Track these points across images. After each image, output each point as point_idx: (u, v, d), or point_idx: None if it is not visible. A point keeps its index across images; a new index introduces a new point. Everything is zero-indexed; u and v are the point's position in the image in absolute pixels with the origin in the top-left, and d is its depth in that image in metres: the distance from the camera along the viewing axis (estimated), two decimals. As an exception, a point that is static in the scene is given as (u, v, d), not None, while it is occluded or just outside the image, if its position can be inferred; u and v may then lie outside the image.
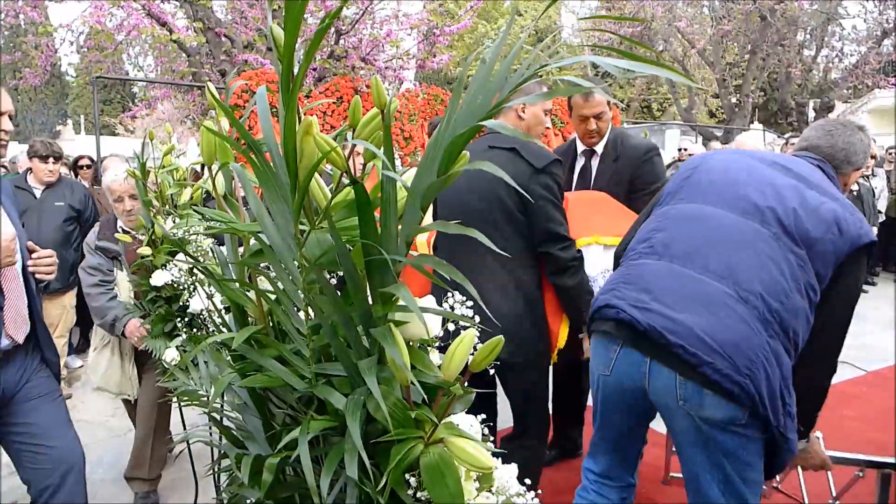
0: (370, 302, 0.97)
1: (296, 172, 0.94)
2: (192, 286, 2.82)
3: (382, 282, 0.92)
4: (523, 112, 2.71)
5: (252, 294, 1.22)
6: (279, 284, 1.10)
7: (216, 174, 1.17)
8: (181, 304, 2.88)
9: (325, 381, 1.07)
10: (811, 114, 17.24)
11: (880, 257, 9.56)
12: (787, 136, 11.11)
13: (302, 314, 1.09)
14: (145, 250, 2.96)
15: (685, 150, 8.23)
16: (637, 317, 1.79)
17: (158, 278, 2.91)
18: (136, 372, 3.39)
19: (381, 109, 0.93)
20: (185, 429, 2.76)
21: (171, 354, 2.79)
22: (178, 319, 2.88)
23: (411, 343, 1.04)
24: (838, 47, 17.07)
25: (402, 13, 8.73)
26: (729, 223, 1.86)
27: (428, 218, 2.27)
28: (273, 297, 1.16)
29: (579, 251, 2.59)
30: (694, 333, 1.70)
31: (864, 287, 8.01)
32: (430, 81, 16.00)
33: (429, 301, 1.08)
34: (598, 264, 2.75)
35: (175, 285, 2.86)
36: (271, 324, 1.24)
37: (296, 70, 0.94)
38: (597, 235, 2.80)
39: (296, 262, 1.04)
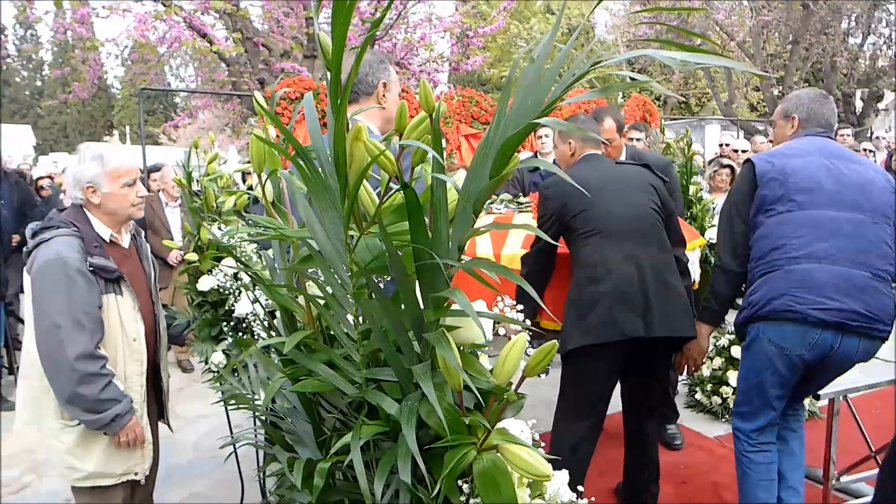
0: (421, 307, 0.96)
1: (345, 178, 0.94)
2: (237, 291, 2.88)
3: (434, 286, 0.91)
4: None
5: (301, 299, 1.23)
6: (328, 289, 1.10)
7: (265, 181, 1.19)
8: (227, 308, 2.94)
9: (376, 386, 1.07)
10: (858, 104, 16.66)
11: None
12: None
13: (351, 319, 1.09)
14: (192, 256, 3.03)
15: (727, 145, 8.02)
16: (825, 317, 2.39)
17: (205, 283, 2.97)
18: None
19: (429, 113, 0.93)
20: (231, 431, 2.80)
21: (217, 358, 2.84)
22: (224, 324, 2.94)
23: (462, 348, 1.03)
24: (886, 34, 16.45)
25: (434, 16, 8.76)
26: (845, 220, 2.44)
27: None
28: (322, 302, 1.16)
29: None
30: (864, 314, 2.38)
31: None
32: (463, 83, 16.00)
33: (479, 306, 1.07)
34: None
35: (221, 290, 2.92)
36: (320, 329, 1.24)
37: (343, 77, 0.94)
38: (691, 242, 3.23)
39: (346, 267, 1.04)
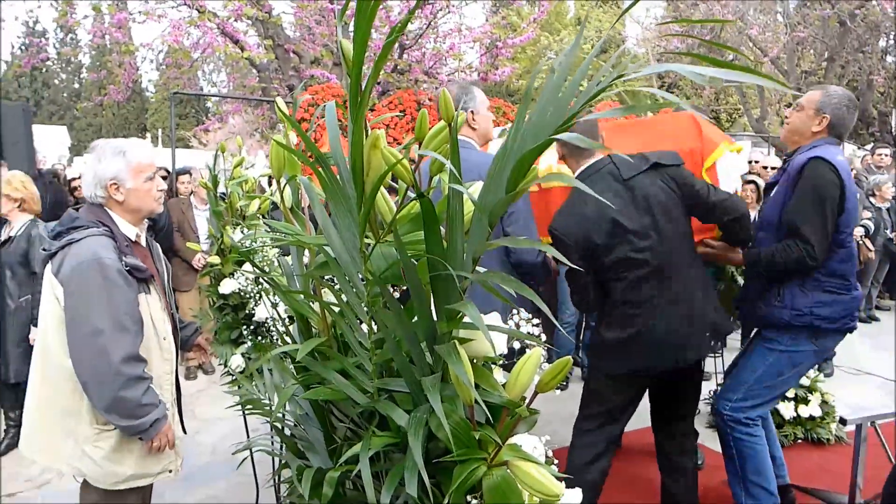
0: (435, 318, 0.95)
1: (362, 185, 0.94)
2: (258, 295, 2.90)
3: (447, 298, 0.90)
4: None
5: (317, 306, 1.23)
6: (343, 297, 1.10)
7: (284, 187, 1.19)
8: (247, 312, 2.96)
9: (387, 396, 1.06)
10: (895, 123, 16.27)
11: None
12: (868, 147, 10.51)
13: (365, 328, 1.09)
14: (214, 259, 3.06)
15: (757, 162, 7.86)
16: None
17: (226, 286, 3.00)
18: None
19: (448, 122, 0.92)
20: (248, 435, 2.81)
21: (236, 361, 2.86)
22: (244, 327, 2.95)
23: (475, 361, 1.02)
24: (925, 53, 16.08)
25: (464, 26, 8.79)
26: None
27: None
28: (337, 309, 1.16)
29: None
30: None
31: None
32: (491, 94, 16.03)
33: (494, 318, 1.05)
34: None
35: (242, 293, 2.94)
36: (335, 336, 1.24)
37: (363, 84, 0.94)
38: (724, 143, 3.17)
39: (361, 276, 1.04)
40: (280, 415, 1.48)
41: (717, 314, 2.72)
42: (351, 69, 0.93)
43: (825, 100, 2.74)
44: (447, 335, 0.92)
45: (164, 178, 7.12)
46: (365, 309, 1.06)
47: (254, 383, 1.58)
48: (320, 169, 1.02)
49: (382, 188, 1.04)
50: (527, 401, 0.95)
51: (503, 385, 1.03)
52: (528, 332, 1.04)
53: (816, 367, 4.45)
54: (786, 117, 2.94)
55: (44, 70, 37.20)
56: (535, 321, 1.03)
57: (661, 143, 3.08)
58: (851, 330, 2.80)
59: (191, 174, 6.57)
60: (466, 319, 0.92)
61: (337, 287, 1.12)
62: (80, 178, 8.19)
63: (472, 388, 0.85)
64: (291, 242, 1.17)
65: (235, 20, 7.62)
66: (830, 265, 2.70)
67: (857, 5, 12.50)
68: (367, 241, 1.05)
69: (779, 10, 15.38)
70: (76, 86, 40.60)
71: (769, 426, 3.26)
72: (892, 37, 15.60)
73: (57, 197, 6.15)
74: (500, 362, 1.11)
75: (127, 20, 7.89)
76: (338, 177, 1.02)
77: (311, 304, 1.24)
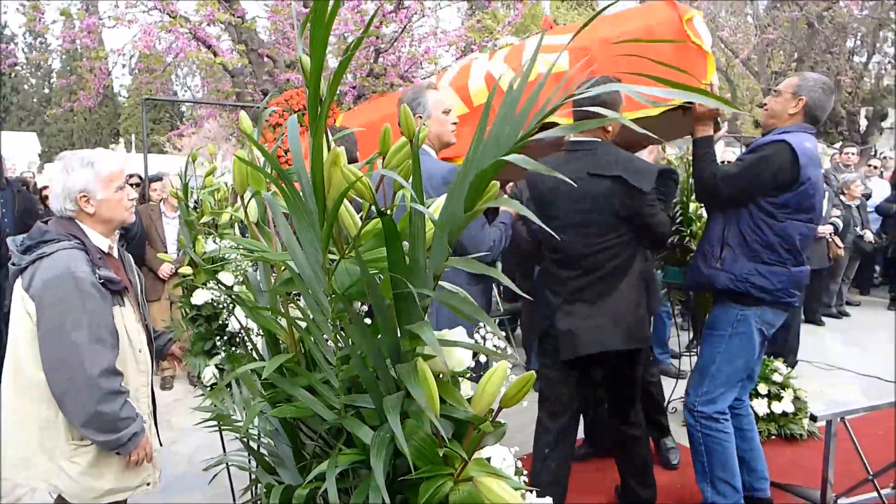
0: (399, 334, 0.95)
1: (324, 202, 0.93)
2: (231, 305, 2.86)
3: (410, 315, 0.90)
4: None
5: (284, 321, 1.22)
6: (309, 313, 1.09)
7: (248, 202, 1.18)
8: (220, 322, 2.92)
9: (355, 412, 1.06)
10: (863, 122, 16.65)
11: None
12: (837, 145, 10.72)
13: (331, 343, 1.08)
14: (186, 269, 3.02)
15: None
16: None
17: (199, 297, 2.96)
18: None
19: (409, 138, 0.92)
20: (223, 447, 2.78)
21: (210, 373, 2.83)
22: (218, 338, 2.92)
23: (441, 375, 1.01)
24: (891, 53, 16.47)
25: (440, 30, 8.79)
26: None
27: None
28: (304, 324, 1.15)
29: None
30: None
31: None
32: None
33: (459, 333, 1.05)
34: None
35: (215, 304, 2.90)
36: (303, 352, 1.23)
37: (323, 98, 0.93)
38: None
39: (325, 292, 1.03)
40: (252, 429, 1.46)
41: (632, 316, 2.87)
42: (309, 81, 0.92)
43: (802, 83, 2.86)
44: (411, 352, 0.92)
45: (136, 184, 7.07)
46: (330, 325, 1.05)
47: (223, 399, 1.56)
48: (283, 184, 1.02)
49: (347, 202, 1.03)
50: (492, 416, 0.95)
51: (471, 399, 1.03)
52: (494, 346, 1.05)
53: (782, 360, 4.56)
54: (764, 104, 3.07)
55: (13, 75, 36.44)
56: (501, 334, 1.03)
57: (637, 21, 3.39)
58: (790, 305, 2.96)
59: (163, 181, 6.49)
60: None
61: (302, 303, 1.11)
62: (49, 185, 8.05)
63: (429, 410, 0.85)
64: (255, 258, 1.16)
65: (208, 25, 7.54)
66: (767, 237, 2.84)
67: (824, 7, 12.77)
68: (332, 256, 1.04)
69: (749, 13, 15.65)
70: (46, 91, 39.88)
71: (753, 438, 3.32)
72: (858, 38, 15.97)
73: (26, 206, 6.00)
74: (468, 375, 1.11)
75: (97, 25, 7.77)
76: (300, 192, 1.01)
77: (277, 319, 1.22)
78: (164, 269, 5.60)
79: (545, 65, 3.22)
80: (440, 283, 0.95)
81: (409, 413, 0.94)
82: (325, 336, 1.10)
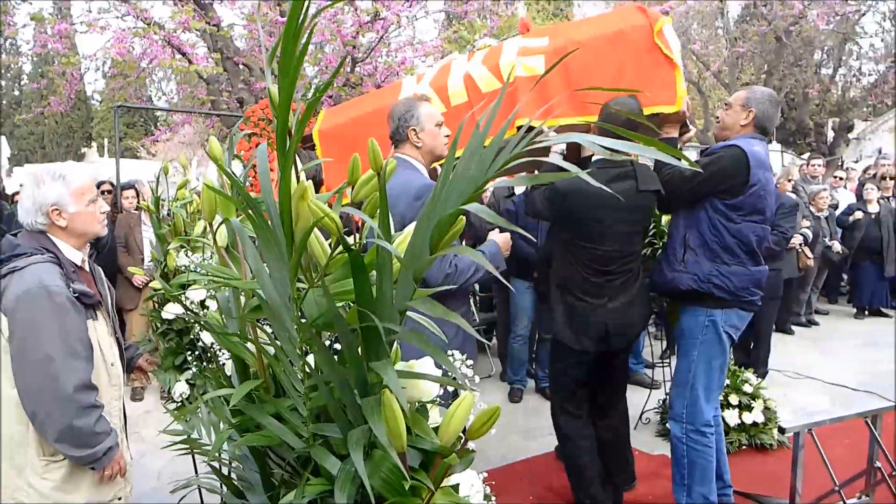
0: (366, 366, 0.95)
1: (292, 234, 0.93)
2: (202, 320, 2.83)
3: (376, 349, 0.91)
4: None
5: (252, 346, 1.22)
6: (277, 341, 1.09)
7: (217, 229, 1.17)
8: (192, 337, 2.89)
9: (323, 440, 1.05)
10: (830, 133, 17.06)
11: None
12: (805, 156, 10.97)
13: (300, 371, 1.08)
14: (156, 284, 2.98)
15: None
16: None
17: (170, 311, 2.93)
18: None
19: (376, 172, 0.93)
20: (195, 466, 2.74)
21: (180, 388, 2.79)
22: (189, 353, 2.89)
23: (409, 404, 1.02)
24: (856, 66, 16.92)
25: (416, 40, 8.82)
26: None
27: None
28: (272, 350, 1.15)
29: None
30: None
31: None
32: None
33: (426, 364, 1.06)
34: None
35: (186, 319, 2.87)
36: (272, 377, 1.23)
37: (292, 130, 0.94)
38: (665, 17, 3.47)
39: (293, 320, 1.03)
40: (219, 454, 1.45)
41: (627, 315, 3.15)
42: (278, 113, 0.93)
43: (750, 95, 3.06)
44: (378, 384, 0.93)
45: (108, 191, 6.95)
46: (298, 353, 1.05)
47: (191, 421, 1.55)
48: (252, 213, 1.02)
49: (317, 230, 1.03)
50: (458, 447, 0.96)
51: (438, 427, 1.04)
52: (462, 373, 1.05)
53: (752, 370, 4.65)
54: (716, 118, 3.25)
55: (-21, 78, 35.65)
56: (470, 362, 1.04)
57: (610, 26, 3.45)
58: (751, 305, 3.08)
59: (136, 188, 6.40)
60: (398, 366, 0.93)
61: (271, 330, 1.11)
62: (20, 190, 7.89)
63: (392, 448, 0.85)
64: (224, 284, 1.15)
65: (183, 31, 7.47)
66: (725, 239, 3.00)
67: (791, 22, 13.08)
68: (301, 284, 1.05)
69: (720, 26, 15.97)
70: (16, 93, 39.05)
71: (721, 448, 3.40)
72: (825, 51, 16.38)
73: (-8, 212, 5.87)
74: (437, 402, 1.12)
75: (69, 30, 7.65)
76: (269, 222, 1.01)
77: (246, 344, 1.22)
78: (139, 279, 5.54)
79: (522, 68, 3.28)
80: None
81: (376, 443, 0.94)
82: (292, 364, 1.10)
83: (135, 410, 5.31)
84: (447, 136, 2.78)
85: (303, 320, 1.04)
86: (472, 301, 6.31)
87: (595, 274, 3.07)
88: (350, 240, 0.98)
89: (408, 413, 0.82)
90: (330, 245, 1.06)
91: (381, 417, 0.86)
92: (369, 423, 0.83)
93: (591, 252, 3.06)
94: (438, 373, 1.04)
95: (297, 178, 0.97)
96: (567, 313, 3.14)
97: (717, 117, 3.22)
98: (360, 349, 0.99)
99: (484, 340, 6.55)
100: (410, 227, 1.04)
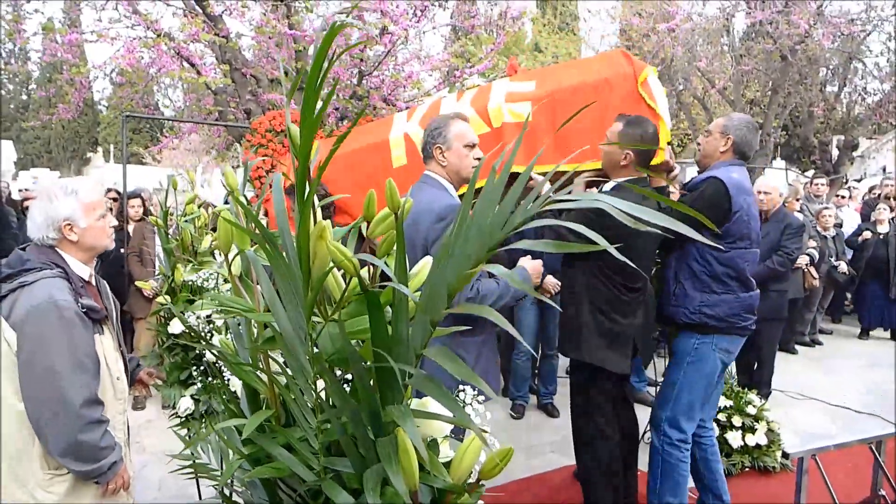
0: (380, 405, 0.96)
1: (308, 272, 0.94)
2: (209, 335, 2.84)
3: (391, 390, 0.91)
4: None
5: (265, 376, 1.22)
6: (290, 372, 1.10)
7: (233, 260, 1.19)
8: (197, 352, 2.90)
9: (334, 474, 1.06)
10: (834, 151, 17.05)
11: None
12: (809, 173, 10.97)
13: (311, 405, 1.08)
14: (163, 298, 3.00)
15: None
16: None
17: (176, 326, 2.94)
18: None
19: (394, 211, 0.94)
20: (199, 489, 2.74)
21: (185, 404, 2.80)
22: (194, 367, 2.89)
23: (424, 439, 1.03)
24: (861, 85, 16.93)
25: (423, 54, 8.87)
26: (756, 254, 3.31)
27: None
28: (284, 381, 1.16)
29: None
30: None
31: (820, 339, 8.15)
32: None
33: (436, 407, 1.06)
34: None
35: (192, 334, 2.88)
36: (283, 406, 1.23)
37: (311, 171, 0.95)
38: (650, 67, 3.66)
39: (306, 354, 1.04)
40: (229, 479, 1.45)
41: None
42: (299, 154, 0.94)
43: (728, 123, 3.16)
44: (392, 423, 0.93)
45: (114, 199, 6.98)
46: (311, 387, 1.06)
47: (192, 438, 1.55)
48: (268, 246, 1.03)
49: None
50: (471, 486, 0.96)
51: (449, 463, 1.04)
52: (473, 410, 1.06)
53: (756, 391, 4.64)
54: (698, 143, 3.33)
55: (-10, 82, 35.91)
56: (481, 398, 1.04)
57: (595, 73, 3.57)
58: (744, 330, 3.16)
59: (141, 198, 6.43)
60: (413, 406, 0.93)
61: (282, 359, 1.11)
62: (27, 190, 7.89)
63: (405, 494, 0.86)
64: (238, 314, 1.16)
65: (193, 42, 7.51)
66: (714, 268, 3.07)
67: (797, 41, 13.13)
68: (316, 318, 1.05)
69: (725, 43, 16.03)
70: (24, 97, 39.29)
71: (717, 468, 3.45)
72: (830, 70, 16.41)
73: (-1, 217, 5.90)
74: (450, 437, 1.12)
75: (79, 40, 7.70)
76: (285, 256, 1.02)
77: (259, 374, 1.23)
78: (149, 291, 5.57)
79: (510, 114, 3.41)
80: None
81: (387, 480, 0.95)
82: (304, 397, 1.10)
83: (136, 420, 5.31)
84: (478, 158, 2.68)
85: (315, 350, 1.05)
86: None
87: (626, 292, 3.12)
88: (364, 272, 0.99)
89: (422, 453, 0.82)
90: (343, 277, 1.07)
91: (398, 463, 0.87)
92: (384, 465, 0.84)
93: (624, 270, 3.07)
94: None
95: (315, 218, 0.98)
96: (606, 336, 3.13)
97: (699, 143, 3.31)
98: (372, 382, 1.00)
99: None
100: (427, 262, 1.05)
